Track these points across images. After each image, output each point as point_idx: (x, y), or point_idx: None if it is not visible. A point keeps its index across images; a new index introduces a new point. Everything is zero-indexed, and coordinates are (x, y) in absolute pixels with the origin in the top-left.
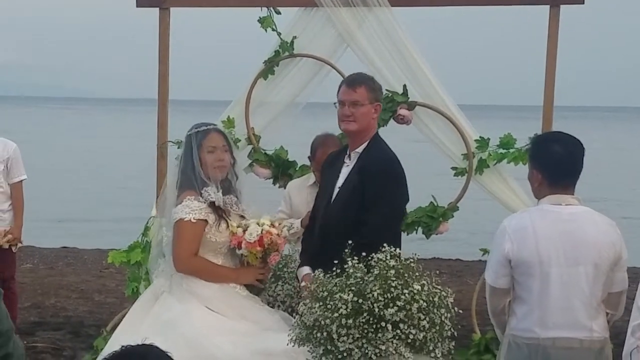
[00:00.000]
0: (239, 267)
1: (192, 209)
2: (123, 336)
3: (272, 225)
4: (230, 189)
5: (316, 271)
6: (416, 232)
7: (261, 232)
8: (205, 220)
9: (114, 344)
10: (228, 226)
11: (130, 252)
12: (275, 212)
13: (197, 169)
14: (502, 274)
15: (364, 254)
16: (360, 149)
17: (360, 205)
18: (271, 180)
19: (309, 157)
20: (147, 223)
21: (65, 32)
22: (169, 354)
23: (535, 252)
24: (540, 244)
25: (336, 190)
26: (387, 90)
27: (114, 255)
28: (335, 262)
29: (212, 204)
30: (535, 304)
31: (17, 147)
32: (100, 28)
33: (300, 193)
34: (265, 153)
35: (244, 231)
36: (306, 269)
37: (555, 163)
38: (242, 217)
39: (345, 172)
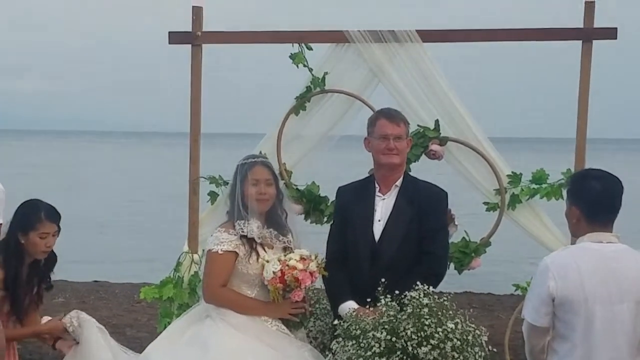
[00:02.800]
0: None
1: (220, 240)
2: (162, 344)
3: (303, 258)
4: (278, 224)
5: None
6: (448, 268)
7: (279, 269)
8: (235, 252)
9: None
10: (258, 258)
11: (163, 288)
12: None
13: (237, 200)
14: (544, 312)
15: (431, 287)
16: (399, 182)
17: (418, 237)
18: (302, 216)
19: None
20: (179, 258)
21: (97, 68)
22: None
23: (580, 290)
24: (585, 282)
25: (379, 224)
26: (418, 125)
27: (146, 290)
28: (403, 296)
29: (245, 236)
30: (578, 342)
31: (3, 191)
32: (132, 65)
33: None
34: (297, 189)
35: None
36: (353, 303)
37: (594, 199)
38: (289, 249)
39: (385, 205)
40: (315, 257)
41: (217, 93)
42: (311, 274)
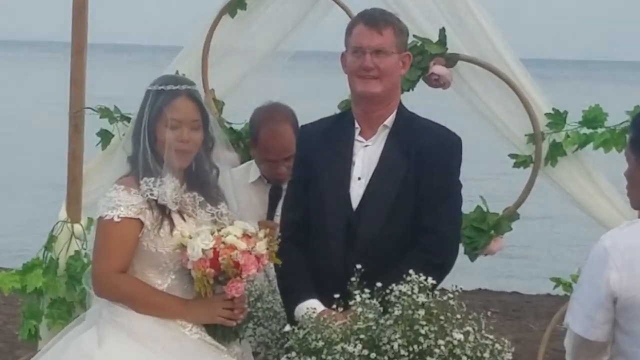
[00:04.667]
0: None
1: (116, 203)
2: None
3: (246, 235)
4: (203, 185)
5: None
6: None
7: (212, 246)
8: (139, 220)
9: None
10: (173, 230)
11: (27, 275)
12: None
13: (145, 146)
14: (600, 320)
15: (430, 279)
16: (389, 122)
17: (416, 204)
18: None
19: (248, 142)
20: (53, 230)
21: None
22: None
23: None
24: None
25: (359, 183)
26: (415, 36)
27: (3, 278)
28: (388, 291)
29: (155, 201)
30: None
31: None
32: None
33: (242, 193)
34: (230, 128)
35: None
36: (316, 303)
37: None
38: (217, 223)
39: (368, 155)
40: (265, 236)
41: None
42: (258, 258)
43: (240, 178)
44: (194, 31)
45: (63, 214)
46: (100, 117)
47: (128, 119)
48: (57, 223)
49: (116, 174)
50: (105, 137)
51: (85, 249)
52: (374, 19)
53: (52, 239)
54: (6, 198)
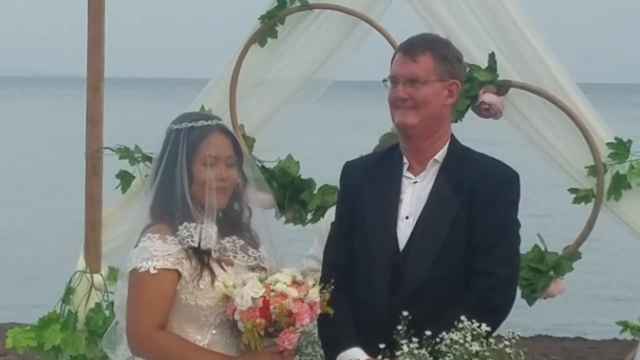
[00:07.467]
0: (244, 351)
1: (151, 253)
2: None
3: (296, 282)
4: (237, 228)
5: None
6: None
7: (262, 295)
8: (176, 271)
9: None
10: (214, 280)
11: (44, 330)
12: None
13: (181, 188)
14: None
15: (484, 326)
16: (439, 156)
17: (469, 245)
18: (272, 211)
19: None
20: (71, 282)
21: None
22: None
23: None
24: None
25: (406, 223)
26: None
27: (16, 334)
28: (438, 340)
29: (193, 248)
30: None
31: None
32: None
33: None
34: (262, 166)
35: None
36: (359, 352)
37: None
38: (260, 269)
39: (417, 192)
40: (314, 284)
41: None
42: (311, 307)
43: None
44: (220, 63)
45: (81, 264)
46: (120, 158)
47: (150, 159)
48: (75, 273)
49: (139, 219)
50: (125, 179)
51: (106, 301)
52: (410, 46)
53: (70, 290)
54: (19, 245)
